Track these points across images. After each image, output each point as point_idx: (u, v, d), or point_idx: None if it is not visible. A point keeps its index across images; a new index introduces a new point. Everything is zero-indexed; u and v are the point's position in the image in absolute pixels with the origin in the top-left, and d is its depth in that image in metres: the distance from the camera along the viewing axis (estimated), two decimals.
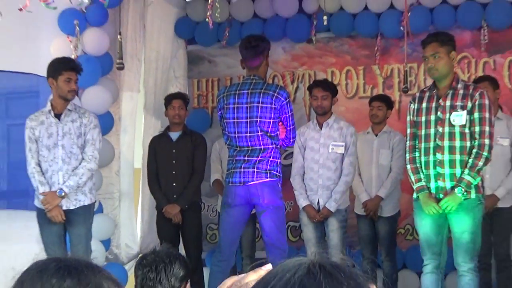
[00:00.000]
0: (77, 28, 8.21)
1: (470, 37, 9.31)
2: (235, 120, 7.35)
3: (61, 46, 8.14)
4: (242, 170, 7.28)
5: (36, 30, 8.14)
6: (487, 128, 6.62)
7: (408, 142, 6.94)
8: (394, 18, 9.39)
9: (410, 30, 8.76)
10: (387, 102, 8.93)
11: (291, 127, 7.42)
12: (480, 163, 6.59)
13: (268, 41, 7.69)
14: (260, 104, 7.28)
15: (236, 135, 7.35)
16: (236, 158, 7.34)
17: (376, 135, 8.84)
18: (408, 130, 6.95)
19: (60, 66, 7.34)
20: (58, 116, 7.42)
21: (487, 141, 6.61)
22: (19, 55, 8.15)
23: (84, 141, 7.45)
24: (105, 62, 8.52)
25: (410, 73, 9.27)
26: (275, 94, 7.30)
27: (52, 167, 7.38)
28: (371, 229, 8.80)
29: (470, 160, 6.59)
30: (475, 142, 6.59)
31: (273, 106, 7.28)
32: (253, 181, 7.26)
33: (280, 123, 7.39)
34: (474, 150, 6.59)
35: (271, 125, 7.29)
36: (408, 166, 6.90)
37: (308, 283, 1.22)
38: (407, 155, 6.92)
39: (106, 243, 8.68)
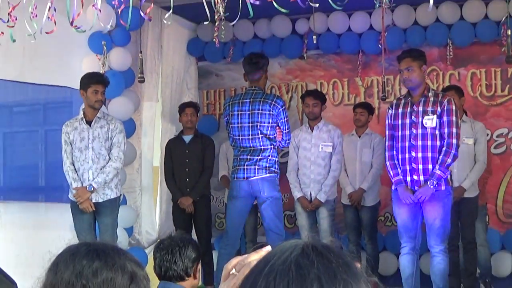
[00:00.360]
0: (104, 48, 8.25)
1: (437, 53, 9.29)
2: (239, 125, 7.35)
3: (91, 63, 8.16)
4: (245, 167, 7.29)
5: (70, 49, 8.14)
6: (454, 130, 6.62)
7: (387, 142, 6.93)
8: (373, 37, 9.38)
9: (387, 47, 8.75)
10: (368, 108, 8.92)
11: (287, 130, 7.43)
12: (449, 160, 6.59)
13: (267, 58, 7.70)
14: (260, 111, 7.29)
15: (240, 137, 7.35)
16: (240, 157, 7.35)
17: (359, 137, 8.82)
18: (387, 132, 6.94)
19: (89, 80, 7.38)
20: (89, 122, 7.44)
21: (454, 141, 6.61)
22: (55, 70, 8.15)
23: (111, 144, 7.46)
24: (128, 76, 8.54)
25: (387, 83, 9.24)
26: (273, 103, 7.32)
27: (83, 166, 7.38)
28: (355, 217, 8.78)
29: (440, 157, 6.58)
30: (444, 141, 6.59)
31: (271, 112, 7.29)
32: (255, 176, 7.26)
33: (277, 127, 7.38)
34: (444, 149, 6.58)
35: (269, 128, 7.30)
36: (387, 163, 6.89)
37: (302, 261, 1.21)
38: (386, 153, 6.91)
39: (129, 230, 8.67)
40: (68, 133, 7.46)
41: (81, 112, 7.52)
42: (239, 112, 7.37)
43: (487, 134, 8.60)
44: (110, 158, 7.43)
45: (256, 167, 7.26)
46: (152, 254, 4.65)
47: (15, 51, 7.73)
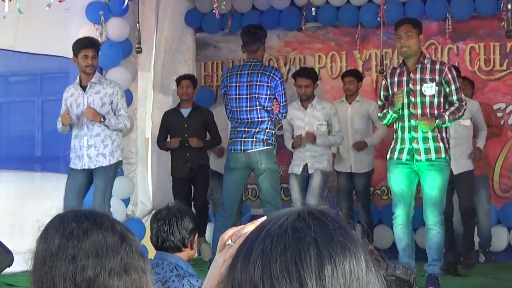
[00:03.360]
0: (102, 17, 8.24)
1: (436, 27, 9.27)
2: (237, 96, 7.34)
3: (88, 33, 8.10)
4: (242, 139, 7.28)
5: (67, 19, 8.11)
6: (462, 95, 6.68)
7: (379, 103, 6.91)
8: (372, 10, 9.35)
9: (385, 21, 8.75)
10: (357, 75, 8.91)
11: (284, 103, 7.41)
12: (459, 114, 6.60)
13: (265, 30, 7.67)
14: (258, 83, 7.28)
15: (238, 109, 7.34)
16: (238, 129, 7.34)
17: (350, 104, 8.82)
18: (380, 103, 6.91)
19: (78, 45, 7.30)
20: (84, 88, 7.38)
21: (464, 105, 6.63)
22: (52, 40, 8.12)
23: (116, 109, 7.40)
24: (126, 47, 8.52)
25: (385, 57, 9.25)
26: (271, 75, 7.30)
27: (80, 132, 7.34)
28: (349, 183, 8.82)
29: (452, 108, 6.55)
30: (457, 103, 6.57)
31: (269, 84, 7.28)
32: (252, 149, 7.26)
33: (275, 100, 7.37)
34: (456, 104, 6.56)
35: (267, 100, 7.29)
36: (380, 114, 6.86)
37: (299, 225, 1.21)
38: (379, 113, 6.90)
39: (126, 202, 8.68)
40: (66, 99, 7.43)
41: (78, 78, 7.45)
42: (237, 84, 7.35)
43: None
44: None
45: (254, 139, 7.26)
46: (148, 225, 4.65)
47: (10, 20, 7.69)
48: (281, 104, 7.39)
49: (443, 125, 6.57)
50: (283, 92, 7.36)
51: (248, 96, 7.29)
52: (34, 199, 7.97)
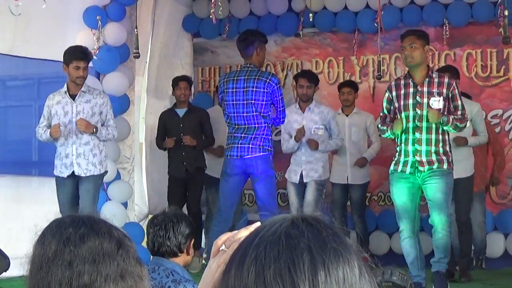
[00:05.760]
0: (99, 22, 8.24)
1: (434, 33, 9.26)
2: (234, 102, 7.34)
3: (85, 38, 8.14)
4: (239, 145, 7.28)
5: (64, 24, 8.13)
6: (465, 112, 6.70)
7: (381, 114, 6.91)
8: (369, 16, 9.36)
9: (383, 27, 8.75)
10: (354, 86, 8.94)
11: (281, 108, 7.42)
12: (460, 125, 6.60)
13: (261, 34, 7.64)
14: (254, 89, 7.27)
15: (235, 114, 7.34)
16: (234, 134, 7.34)
17: (347, 116, 8.83)
18: (381, 114, 6.91)
19: (71, 56, 7.25)
20: (73, 96, 7.36)
21: (466, 120, 6.69)
22: (49, 45, 8.10)
23: (105, 119, 7.41)
24: (123, 52, 8.53)
25: (382, 63, 9.24)
26: (268, 80, 7.30)
27: (67, 140, 7.32)
28: (343, 195, 8.84)
29: (457, 116, 6.57)
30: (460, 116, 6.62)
31: (265, 90, 7.27)
32: (249, 155, 7.26)
33: (272, 105, 7.38)
34: (460, 117, 6.59)
35: (264, 106, 7.29)
36: (380, 127, 6.88)
37: (292, 232, 1.22)
38: (380, 124, 6.90)
39: (125, 206, 8.67)
40: (50, 106, 7.39)
41: (65, 86, 7.42)
42: (234, 90, 7.35)
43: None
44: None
45: (250, 145, 7.26)
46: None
47: (7, 24, 7.71)
48: (279, 109, 7.40)
49: (445, 126, 6.57)
50: (280, 97, 7.35)
51: (245, 102, 7.29)
52: (31, 204, 7.96)
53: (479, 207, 8.33)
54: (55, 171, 7.40)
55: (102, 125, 7.41)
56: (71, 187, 7.36)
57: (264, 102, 7.28)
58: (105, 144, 7.52)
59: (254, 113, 7.27)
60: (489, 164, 8.52)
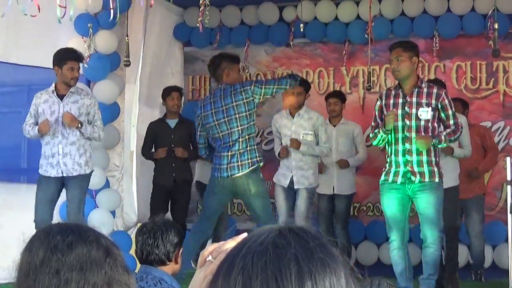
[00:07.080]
0: (90, 30, 8.24)
1: (424, 44, 9.28)
2: (216, 123, 7.40)
3: (76, 45, 8.11)
4: (228, 166, 7.29)
5: (55, 31, 8.10)
6: (458, 120, 6.72)
7: (372, 124, 6.91)
8: (360, 27, 9.37)
9: (373, 38, 8.77)
10: (341, 97, 8.94)
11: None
12: (455, 137, 6.63)
13: (228, 57, 7.57)
14: (234, 103, 7.32)
15: (220, 134, 7.39)
16: (222, 154, 7.34)
17: (334, 126, 8.84)
18: (373, 123, 6.92)
19: (65, 56, 7.28)
20: (60, 96, 7.36)
21: (461, 128, 6.69)
22: (40, 52, 8.10)
23: (92, 120, 7.41)
24: (114, 60, 8.54)
25: (372, 74, 9.24)
26: (241, 90, 7.33)
27: (53, 140, 7.31)
28: (329, 206, 8.83)
29: (449, 130, 6.58)
30: (452, 126, 6.61)
31: (244, 100, 7.31)
32: (239, 173, 7.28)
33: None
34: (453, 127, 6.60)
35: (247, 117, 7.33)
36: (371, 134, 6.91)
37: (279, 242, 1.23)
38: (371, 133, 6.93)
39: (114, 214, 8.66)
40: (37, 105, 7.40)
41: (53, 85, 7.42)
42: (213, 110, 7.40)
43: None
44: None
45: (239, 163, 7.28)
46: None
47: None
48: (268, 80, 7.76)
49: (439, 145, 6.60)
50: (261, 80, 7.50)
51: (227, 119, 7.33)
52: (19, 211, 7.93)
53: (476, 215, 8.30)
54: (40, 170, 7.39)
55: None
56: (54, 188, 7.34)
57: (247, 112, 7.32)
58: (91, 144, 7.52)
59: (238, 128, 7.31)
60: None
